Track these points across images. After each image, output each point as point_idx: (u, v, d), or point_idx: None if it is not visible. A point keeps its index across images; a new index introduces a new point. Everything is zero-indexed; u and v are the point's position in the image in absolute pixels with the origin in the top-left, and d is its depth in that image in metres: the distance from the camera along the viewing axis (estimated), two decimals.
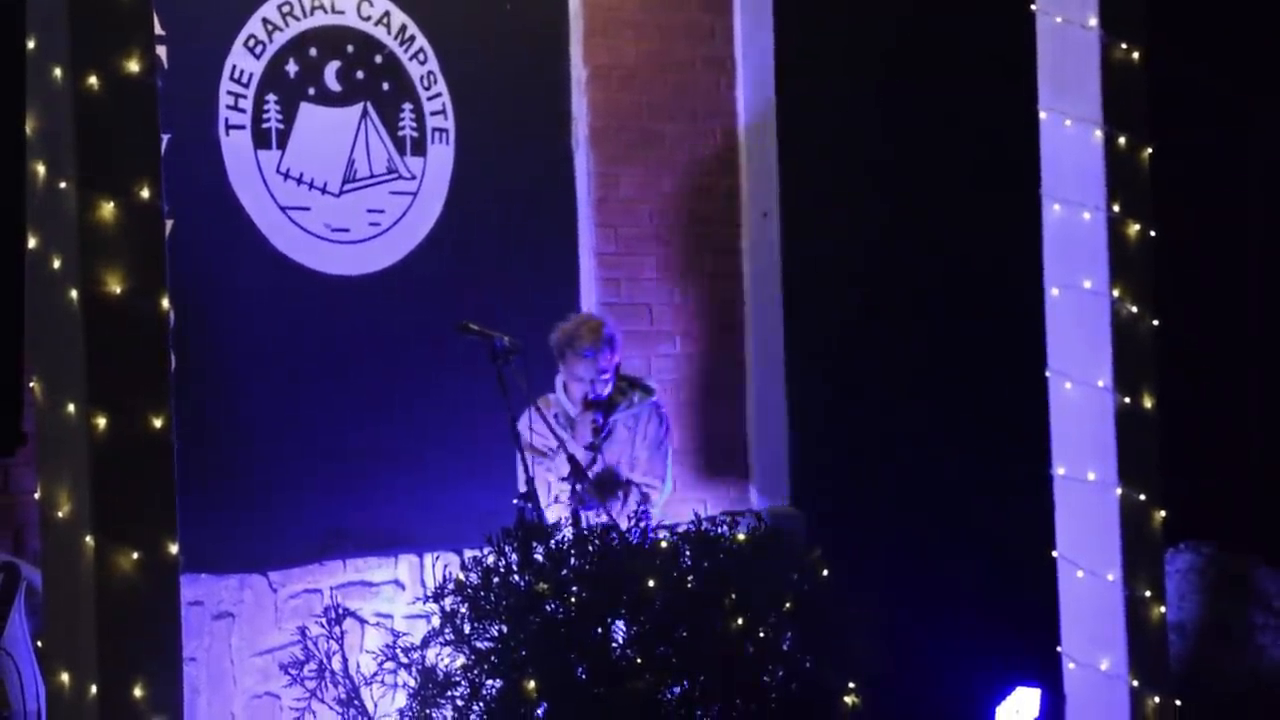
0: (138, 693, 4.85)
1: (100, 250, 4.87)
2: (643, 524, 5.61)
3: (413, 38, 7.24)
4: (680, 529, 5.72)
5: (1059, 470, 6.71)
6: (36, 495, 5.05)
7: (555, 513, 6.54)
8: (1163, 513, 6.69)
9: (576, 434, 6.81)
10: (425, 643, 5.46)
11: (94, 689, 4.82)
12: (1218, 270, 9.75)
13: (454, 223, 7.34)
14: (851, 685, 5.56)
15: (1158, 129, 6.73)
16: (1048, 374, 6.74)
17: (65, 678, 4.92)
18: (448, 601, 5.43)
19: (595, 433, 6.82)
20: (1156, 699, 6.63)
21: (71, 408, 4.87)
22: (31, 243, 4.98)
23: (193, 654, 6.54)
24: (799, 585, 5.62)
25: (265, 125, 6.91)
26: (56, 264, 4.90)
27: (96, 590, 4.82)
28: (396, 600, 7.07)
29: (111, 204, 4.87)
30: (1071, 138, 6.64)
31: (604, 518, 6.63)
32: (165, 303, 4.97)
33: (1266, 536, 8.69)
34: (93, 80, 4.87)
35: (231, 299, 6.78)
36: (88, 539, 4.82)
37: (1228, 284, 9.91)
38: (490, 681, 5.32)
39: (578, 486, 6.53)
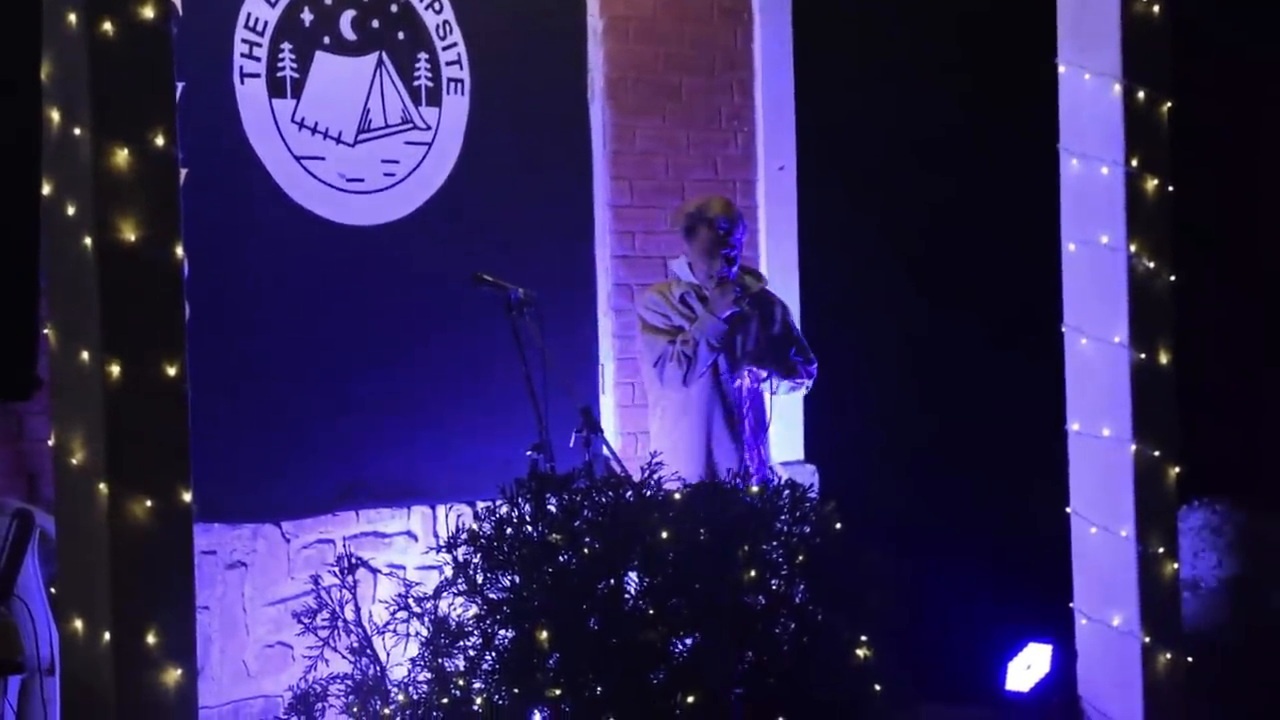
0: (151, 640, 4.87)
1: (115, 198, 4.87)
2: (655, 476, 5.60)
3: None
4: (694, 481, 5.71)
5: (1074, 426, 6.71)
6: (50, 443, 5.06)
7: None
8: (1177, 469, 6.68)
9: (712, 305, 6.92)
10: (438, 593, 5.46)
11: (107, 636, 4.84)
12: (1235, 226, 9.72)
13: (469, 174, 7.32)
14: (864, 638, 5.56)
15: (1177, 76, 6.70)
16: (1064, 329, 6.73)
17: (79, 624, 4.94)
18: (460, 552, 5.42)
19: (738, 301, 6.92)
20: (1168, 655, 6.63)
21: (86, 355, 4.87)
22: (46, 189, 4.97)
23: (205, 603, 6.57)
24: (812, 538, 5.61)
25: (280, 74, 6.89)
26: (71, 211, 4.90)
27: (110, 538, 4.84)
28: (409, 551, 7.09)
29: (126, 151, 4.87)
30: (1090, 91, 6.61)
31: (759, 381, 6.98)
32: (179, 251, 4.97)
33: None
34: (107, 27, 4.85)
35: (246, 248, 6.77)
36: (101, 487, 4.84)
37: (1245, 241, 9.87)
38: (502, 631, 5.32)
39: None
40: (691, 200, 7.23)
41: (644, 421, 7.69)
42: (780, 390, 7.09)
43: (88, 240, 4.85)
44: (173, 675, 4.91)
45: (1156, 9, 6.60)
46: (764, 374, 7.03)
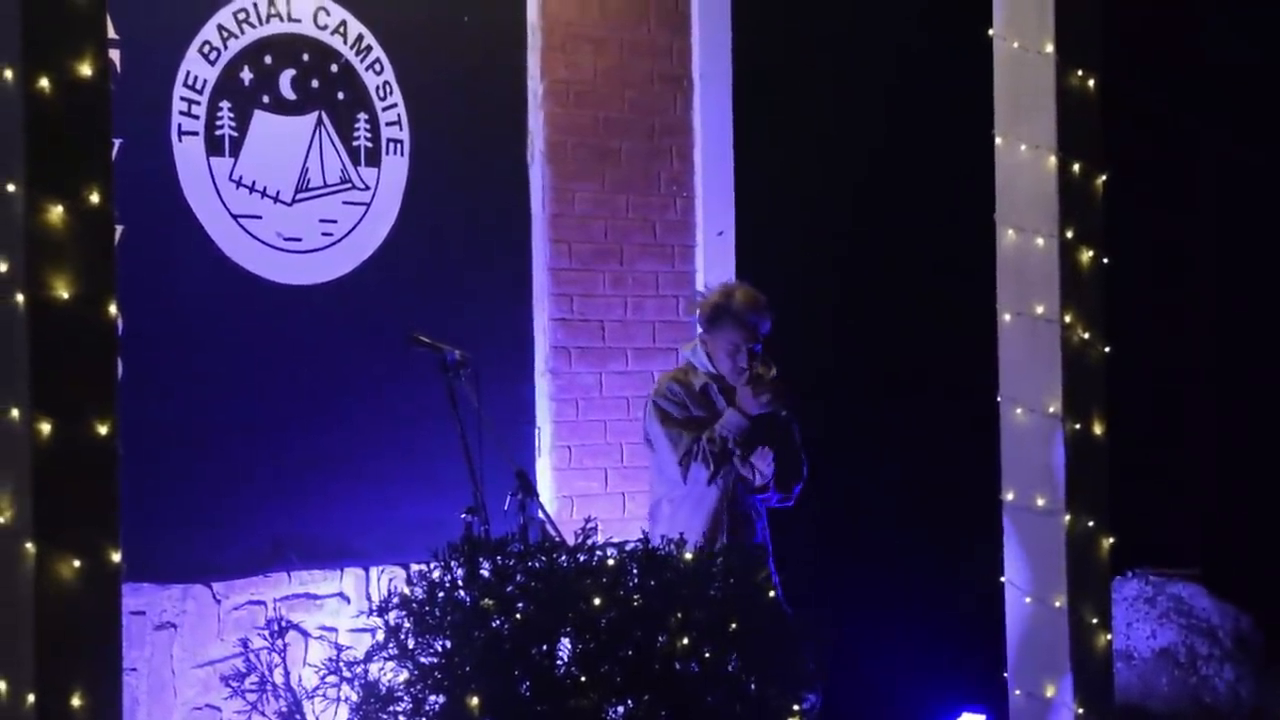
0: (76, 702, 4.79)
1: (48, 255, 4.82)
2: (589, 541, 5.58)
3: (369, 47, 7.21)
4: (628, 547, 5.69)
5: (1008, 496, 6.71)
6: None
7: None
8: (1111, 540, 6.69)
9: (741, 404, 6.69)
10: (368, 657, 5.42)
11: (31, 698, 4.76)
12: (1167, 293, 9.81)
13: (407, 235, 7.31)
14: (796, 708, 5.55)
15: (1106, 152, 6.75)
16: (999, 399, 6.75)
17: (2, 686, 4.86)
18: (392, 616, 5.39)
19: (771, 403, 6.68)
20: None
21: (15, 413, 4.81)
22: None
23: (133, 664, 6.49)
24: (745, 606, 5.59)
25: (219, 132, 6.87)
26: (3, 268, 4.85)
27: (36, 598, 4.77)
28: (341, 614, 7.03)
29: (61, 208, 4.82)
30: (1026, 163, 6.65)
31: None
32: (113, 309, 4.92)
33: (1214, 567, 8.73)
34: (44, 83, 4.82)
35: (181, 306, 6.74)
36: (28, 546, 4.77)
37: (1174, 307, 9.96)
38: (433, 697, 5.28)
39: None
40: (714, 290, 6.87)
41: (579, 485, 7.70)
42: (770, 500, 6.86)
43: (20, 297, 4.80)
44: None
45: (1091, 82, 6.66)
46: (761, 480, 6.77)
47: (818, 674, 5.77)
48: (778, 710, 5.53)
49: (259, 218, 6.96)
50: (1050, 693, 6.59)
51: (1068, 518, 6.56)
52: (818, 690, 6.24)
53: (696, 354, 6.87)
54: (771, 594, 5.72)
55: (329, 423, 7.05)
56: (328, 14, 7.12)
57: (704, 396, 6.80)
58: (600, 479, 7.79)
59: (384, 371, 7.10)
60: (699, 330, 6.91)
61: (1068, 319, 6.59)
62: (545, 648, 5.33)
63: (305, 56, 7.08)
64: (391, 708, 5.31)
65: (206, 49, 6.84)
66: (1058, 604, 6.58)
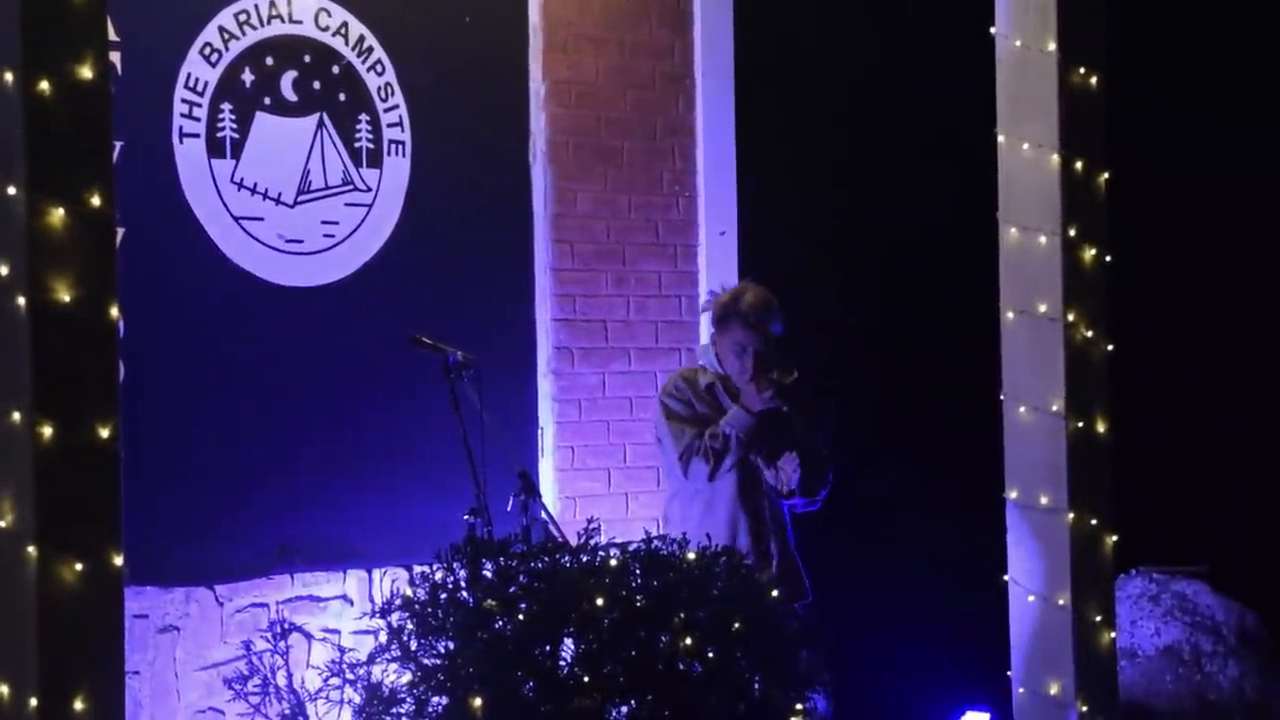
0: (79, 706, 4.80)
1: (49, 257, 4.82)
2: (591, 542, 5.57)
3: (371, 49, 7.21)
4: (631, 547, 5.69)
5: (1011, 494, 6.71)
6: None
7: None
8: (1114, 538, 6.69)
9: (744, 400, 6.64)
10: (371, 658, 5.41)
11: (34, 701, 4.77)
12: (1168, 292, 9.80)
13: (409, 236, 7.31)
14: (800, 707, 5.54)
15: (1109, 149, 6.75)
16: (1002, 397, 6.74)
17: (5, 689, 4.86)
18: (395, 617, 5.38)
19: (775, 398, 6.59)
20: None
21: (16, 416, 4.82)
22: None
23: (136, 667, 6.49)
24: (748, 606, 5.59)
25: (220, 134, 6.87)
26: (4, 270, 4.85)
27: (38, 601, 4.77)
28: (344, 616, 7.03)
29: (62, 211, 4.83)
30: (1029, 161, 6.65)
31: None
32: (114, 311, 4.92)
33: (1218, 564, 8.73)
34: (44, 85, 4.82)
35: (182, 309, 6.73)
36: (30, 549, 4.77)
37: (1178, 306, 9.96)
38: (436, 699, 5.28)
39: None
40: (727, 290, 6.83)
41: (582, 485, 7.70)
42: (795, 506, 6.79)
43: (21, 300, 4.80)
44: None
45: (1094, 80, 6.66)
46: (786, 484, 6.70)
47: (820, 673, 5.76)
48: (782, 710, 5.53)
49: (260, 219, 6.95)
50: (1054, 691, 6.59)
51: (1071, 515, 6.56)
52: (827, 694, 6.25)
53: (707, 354, 6.88)
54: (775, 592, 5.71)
55: (331, 424, 7.05)
56: (329, 15, 7.12)
57: (709, 394, 6.77)
58: (603, 480, 7.79)
59: (386, 373, 7.10)
60: (710, 330, 6.90)
61: (1070, 317, 6.59)
62: (548, 648, 5.33)
63: (306, 58, 7.07)
64: (395, 709, 5.31)
65: (208, 50, 6.84)
66: (1061, 602, 6.59)
